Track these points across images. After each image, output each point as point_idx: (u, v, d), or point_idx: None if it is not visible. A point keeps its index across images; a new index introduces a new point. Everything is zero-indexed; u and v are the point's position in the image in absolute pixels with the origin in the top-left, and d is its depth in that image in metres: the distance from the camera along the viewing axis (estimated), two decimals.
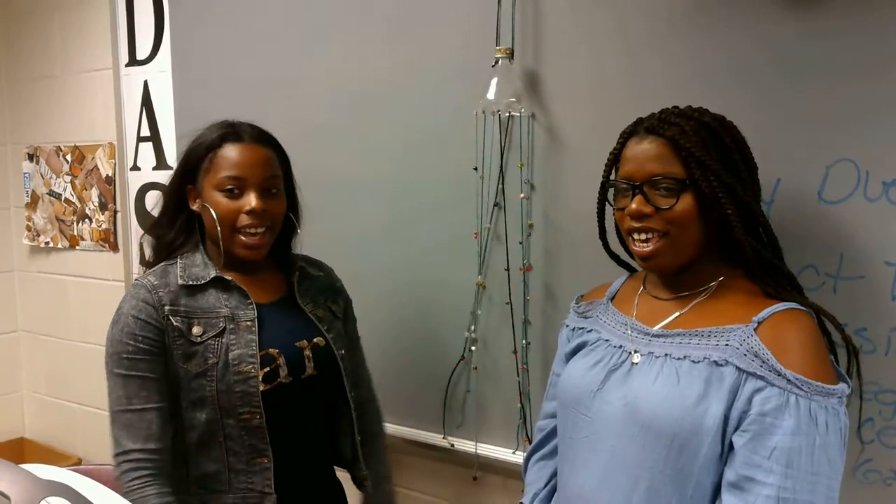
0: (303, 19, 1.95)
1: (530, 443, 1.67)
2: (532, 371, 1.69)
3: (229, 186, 1.36)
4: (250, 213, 1.36)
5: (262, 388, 1.35)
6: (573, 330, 1.35)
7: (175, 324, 1.34)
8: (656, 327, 1.17)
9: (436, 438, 1.86)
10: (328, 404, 1.51)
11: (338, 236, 1.85)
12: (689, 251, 1.13)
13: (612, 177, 1.21)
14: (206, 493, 1.37)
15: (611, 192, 1.21)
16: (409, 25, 1.77)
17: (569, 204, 1.60)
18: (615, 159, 1.20)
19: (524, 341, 1.69)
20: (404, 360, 1.89)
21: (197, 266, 1.41)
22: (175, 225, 1.44)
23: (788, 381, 1.00)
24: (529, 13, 1.60)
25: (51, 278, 2.91)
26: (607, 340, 1.23)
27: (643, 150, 1.13)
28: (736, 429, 1.03)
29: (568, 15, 1.56)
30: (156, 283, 1.37)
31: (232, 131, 1.40)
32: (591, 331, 1.29)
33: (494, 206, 1.68)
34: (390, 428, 1.90)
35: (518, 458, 1.72)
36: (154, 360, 1.33)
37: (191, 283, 1.38)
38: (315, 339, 1.46)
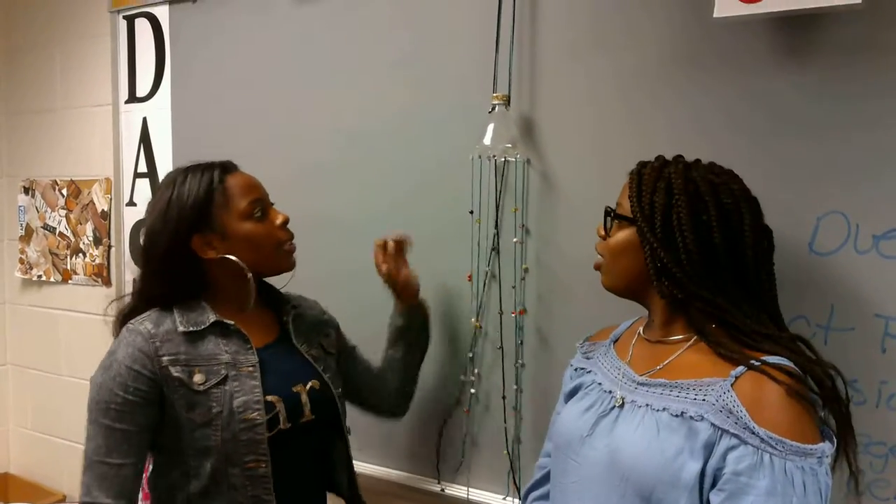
0: (303, 61, 1.98)
1: (518, 489, 1.66)
2: (524, 415, 1.68)
3: (256, 210, 1.39)
4: (283, 226, 1.42)
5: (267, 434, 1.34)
6: (575, 370, 1.35)
7: (175, 374, 1.31)
8: (642, 375, 1.16)
9: (426, 483, 1.84)
10: (324, 444, 1.50)
11: (334, 275, 1.85)
12: (625, 280, 1.19)
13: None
14: None
15: None
16: (408, 69, 1.80)
17: (562, 249, 1.61)
18: None
19: (514, 386, 1.68)
20: None
21: (194, 311, 1.38)
22: (175, 279, 1.38)
23: (762, 439, 0.97)
24: (526, 60, 1.63)
25: (42, 312, 2.90)
26: (600, 384, 1.23)
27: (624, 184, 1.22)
28: (712, 486, 1.01)
29: (565, 63, 1.59)
30: (153, 330, 1.34)
31: (220, 165, 1.41)
32: (589, 372, 1.29)
33: (492, 250, 1.69)
34: (381, 472, 1.90)
35: (508, 503, 1.70)
36: (141, 413, 1.31)
37: (191, 328, 1.35)
38: (311, 382, 1.44)
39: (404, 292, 1.66)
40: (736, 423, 1.00)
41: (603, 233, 1.22)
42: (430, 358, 1.80)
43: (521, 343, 1.68)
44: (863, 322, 1.31)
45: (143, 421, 1.31)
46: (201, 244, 1.37)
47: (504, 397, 1.69)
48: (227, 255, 1.37)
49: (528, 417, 1.68)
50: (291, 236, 1.45)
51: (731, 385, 1.03)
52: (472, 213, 1.69)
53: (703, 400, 1.04)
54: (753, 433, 0.98)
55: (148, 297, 1.40)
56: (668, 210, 1.12)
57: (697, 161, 1.19)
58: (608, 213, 1.21)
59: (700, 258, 1.10)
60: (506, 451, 1.70)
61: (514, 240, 1.65)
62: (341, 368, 1.62)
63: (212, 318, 1.37)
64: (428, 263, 1.76)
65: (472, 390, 1.75)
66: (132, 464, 1.31)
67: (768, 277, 1.16)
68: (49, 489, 2.91)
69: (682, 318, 1.15)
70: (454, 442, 1.79)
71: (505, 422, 1.70)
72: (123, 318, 1.41)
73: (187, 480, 1.34)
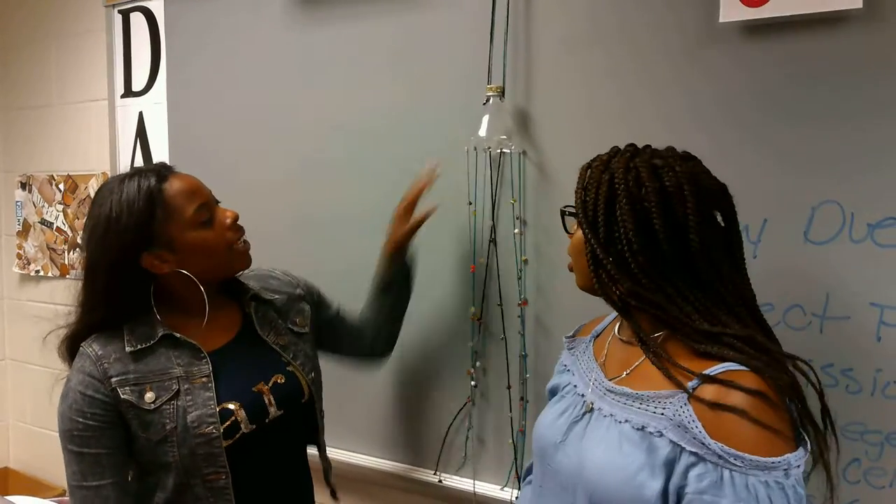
0: (299, 55, 1.98)
1: (520, 479, 1.67)
2: (526, 406, 1.69)
3: (204, 216, 1.32)
4: (232, 225, 1.35)
5: (224, 444, 1.30)
6: (562, 365, 1.33)
7: (123, 396, 1.27)
8: (610, 380, 1.12)
9: (423, 474, 1.85)
10: (302, 432, 1.49)
11: (334, 271, 1.85)
12: (587, 280, 1.13)
13: None
14: None
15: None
16: (403, 63, 1.80)
17: (560, 239, 1.60)
18: None
19: (525, 376, 1.69)
20: (399, 395, 1.89)
21: (144, 325, 1.32)
22: (124, 301, 1.32)
23: (719, 455, 0.93)
24: (521, 52, 1.63)
25: (40, 307, 2.90)
26: (576, 387, 1.20)
27: None
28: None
29: (559, 54, 1.59)
30: (100, 352, 1.30)
31: (154, 172, 1.32)
32: (568, 371, 1.27)
33: (490, 241, 1.69)
34: (383, 464, 1.91)
35: (506, 494, 1.71)
36: (106, 435, 1.28)
37: (139, 346, 1.30)
38: (273, 378, 1.40)
39: (398, 245, 1.65)
40: (693, 439, 0.95)
41: (569, 233, 1.20)
42: (432, 350, 1.81)
43: (523, 334, 1.68)
44: (858, 311, 1.31)
45: (110, 443, 1.29)
46: (152, 261, 1.29)
47: (509, 387, 1.70)
48: (180, 270, 1.31)
49: (531, 408, 1.69)
50: (242, 233, 1.38)
51: (688, 399, 0.98)
52: (470, 204, 1.69)
53: (662, 414, 1.00)
54: (710, 449, 0.94)
55: (94, 322, 1.34)
56: (610, 203, 1.07)
57: (647, 147, 1.14)
58: (562, 212, 1.19)
59: (641, 249, 1.04)
60: (510, 441, 1.71)
61: (515, 231, 1.65)
62: (326, 333, 1.61)
63: (160, 331, 1.32)
64: (425, 256, 1.76)
65: (473, 382, 1.75)
66: (111, 483, 1.29)
67: (730, 261, 1.08)
68: (49, 483, 2.92)
69: (647, 316, 1.09)
70: (456, 433, 1.80)
71: (511, 412, 1.70)
72: (71, 343, 1.37)
73: (153, 493, 1.33)
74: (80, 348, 1.33)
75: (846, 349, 1.31)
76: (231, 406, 1.32)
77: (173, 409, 1.29)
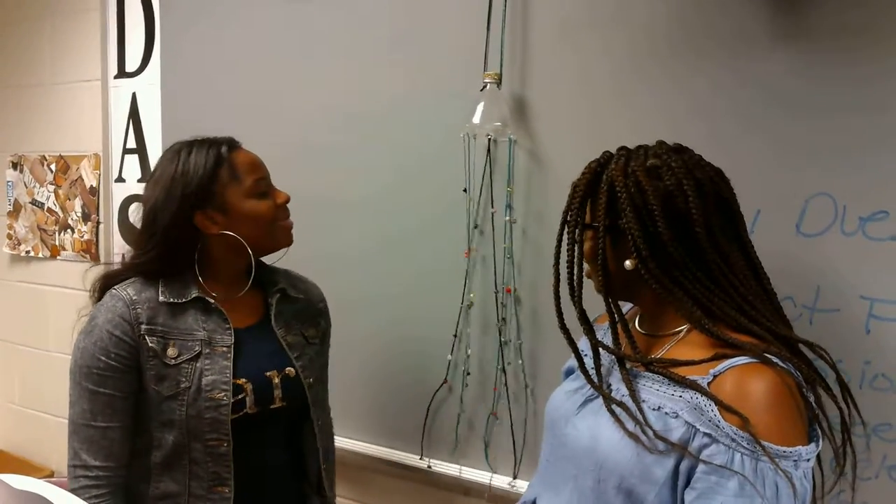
0: (295, 38, 1.97)
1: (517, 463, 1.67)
2: (514, 393, 1.70)
3: (261, 188, 1.39)
4: (283, 204, 1.43)
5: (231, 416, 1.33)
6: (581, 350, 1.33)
7: (150, 344, 1.31)
8: (629, 365, 1.14)
9: (411, 459, 1.86)
10: (294, 431, 1.49)
11: (327, 256, 1.85)
12: (603, 285, 1.13)
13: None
14: None
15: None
16: (400, 48, 1.79)
17: (551, 227, 1.60)
18: None
19: (514, 362, 1.69)
20: (392, 380, 1.89)
21: (178, 283, 1.37)
22: (173, 254, 1.36)
23: (732, 438, 0.95)
24: (518, 39, 1.62)
25: (30, 287, 2.89)
26: (593, 368, 1.21)
27: None
28: (687, 484, 0.98)
29: (556, 42, 1.59)
30: (135, 297, 1.33)
31: (225, 141, 1.41)
32: (586, 355, 1.27)
33: (475, 228, 1.70)
34: (372, 449, 1.91)
35: (514, 484, 1.72)
36: (123, 379, 1.31)
37: (172, 300, 1.35)
38: (286, 370, 1.43)
39: None
40: (709, 421, 0.97)
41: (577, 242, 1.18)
42: (424, 337, 1.81)
43: (512, 320, 1.68)
44: (848, 303, 1.32)
45: (125, 387, 1.32)
46: (204, 220, 1.35)
47: (505, 374, 1.70)
48: (229, 232, 1.36)
49: (519, 397, 1.69)
50: (289, 214, 1.45)
51: (709, 383, 1.00)
52: (465, 191, 1.69)
53: (680, 397, 1.03)
54: (723, 431, 0.96)
55: (142, 270, 1.38)
56: (613, 212, 1.09)
57: (639, 148, 1.14)
58: (567, 222, 1.17)
59: (651, 254, 1.06)
60: (483, 426, 1.71)
61: (506, 219, 1.66)
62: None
63: (194, 292, 1.37)
64: (421, 242, 1.77)
65: (465, 368, 1.75)
66: (119, 427, 1.32)
67: (738, 245, 1.11)
68: (37, 465, 2.92)
69: (669, 311, 1.12)
70: (447, 420, 1.80)
71: (509, 401, 1.71)
72: (108, 281, 1.39)
73: (149, 450, 1.35)
74: (113, 290, 1.36)
75: (836, 341, 1.31)
76: (241, 382, 1.36)
77: (191, 369, 1.33)
